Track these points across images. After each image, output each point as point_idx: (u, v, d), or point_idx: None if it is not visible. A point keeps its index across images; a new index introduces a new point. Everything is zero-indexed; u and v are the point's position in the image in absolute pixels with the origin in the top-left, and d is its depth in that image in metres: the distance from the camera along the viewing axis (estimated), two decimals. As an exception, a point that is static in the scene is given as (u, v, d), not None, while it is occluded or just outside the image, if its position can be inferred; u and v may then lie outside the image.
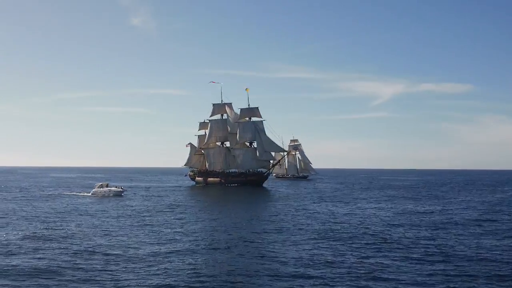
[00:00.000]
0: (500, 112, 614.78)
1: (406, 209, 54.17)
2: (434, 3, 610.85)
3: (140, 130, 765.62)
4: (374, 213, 49.42)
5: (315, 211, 51.60)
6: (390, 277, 21.34)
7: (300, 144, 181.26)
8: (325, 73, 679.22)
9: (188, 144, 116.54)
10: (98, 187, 74.79)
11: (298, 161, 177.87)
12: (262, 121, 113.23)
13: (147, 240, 30.68)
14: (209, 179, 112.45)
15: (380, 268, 22.92)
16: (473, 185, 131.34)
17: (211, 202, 64.98)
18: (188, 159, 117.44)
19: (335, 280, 20.62)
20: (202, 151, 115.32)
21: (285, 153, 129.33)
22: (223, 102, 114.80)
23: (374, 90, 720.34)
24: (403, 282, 20.59)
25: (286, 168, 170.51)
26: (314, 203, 63.50)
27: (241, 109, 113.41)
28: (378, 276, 21.46)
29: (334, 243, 30.12)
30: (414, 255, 26.24)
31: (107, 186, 75.40)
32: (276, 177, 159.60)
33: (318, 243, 30.05)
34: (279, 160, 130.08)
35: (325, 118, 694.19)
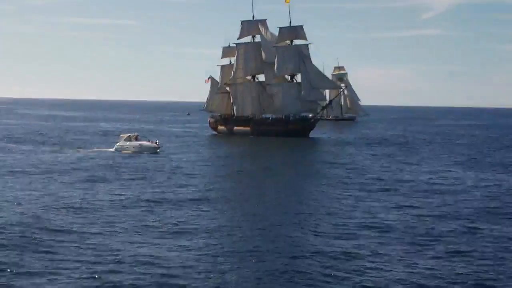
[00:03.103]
0: None
1: None
2: None
3: (127, 49, 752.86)
4: None
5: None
6: None
7: (346, 73, 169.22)
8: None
9: (208, 78, 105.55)
10: (124, 140, 69.01)
11: (344, 98, 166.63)
12: (307, 44, 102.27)
13: None
14: (235, 128, 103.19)
15: None
16: None
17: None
18: (208, 101, 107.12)
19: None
20: (227, 88, 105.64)
21: (341, 90, 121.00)
22: (254, 19, 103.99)
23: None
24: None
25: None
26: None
27: (280, 28, 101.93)
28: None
29: None
30: None
31: (136, 139, 69.21)
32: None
33: None
34: (332, 100, 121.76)
35: (363, 36, 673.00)
